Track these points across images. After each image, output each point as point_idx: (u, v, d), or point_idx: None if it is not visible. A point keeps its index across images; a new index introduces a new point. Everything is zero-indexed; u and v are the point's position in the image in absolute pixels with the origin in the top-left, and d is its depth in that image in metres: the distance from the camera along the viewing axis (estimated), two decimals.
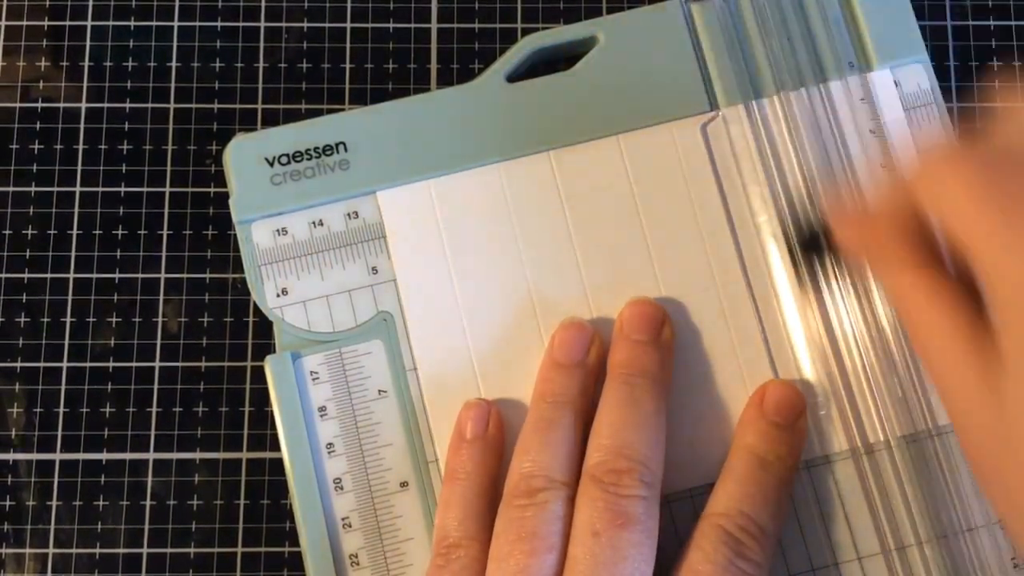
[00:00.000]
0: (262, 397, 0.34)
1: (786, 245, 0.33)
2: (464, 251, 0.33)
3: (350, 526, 0.32)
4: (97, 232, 0.35)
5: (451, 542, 0.29)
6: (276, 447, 0.34)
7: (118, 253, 0.35)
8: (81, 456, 0.34)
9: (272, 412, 0.32)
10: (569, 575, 0.27)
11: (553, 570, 0.27)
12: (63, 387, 0.34)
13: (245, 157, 0.33)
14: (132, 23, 0.36)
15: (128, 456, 0.34)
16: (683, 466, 0.31)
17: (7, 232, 0.35)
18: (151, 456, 0.34)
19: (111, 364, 0.34)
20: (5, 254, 0.35)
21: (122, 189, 0.35)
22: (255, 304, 0.33)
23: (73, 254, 0.35)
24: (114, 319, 0.35)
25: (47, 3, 0.37)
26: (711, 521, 0.29)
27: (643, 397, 0.29)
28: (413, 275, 0.33)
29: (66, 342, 0.35)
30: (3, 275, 0.35)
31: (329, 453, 0.32)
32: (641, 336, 0.31)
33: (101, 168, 0.35)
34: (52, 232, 0.35)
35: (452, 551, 0.29)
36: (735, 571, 0.28)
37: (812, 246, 0.32)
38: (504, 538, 0.28)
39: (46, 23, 0.36)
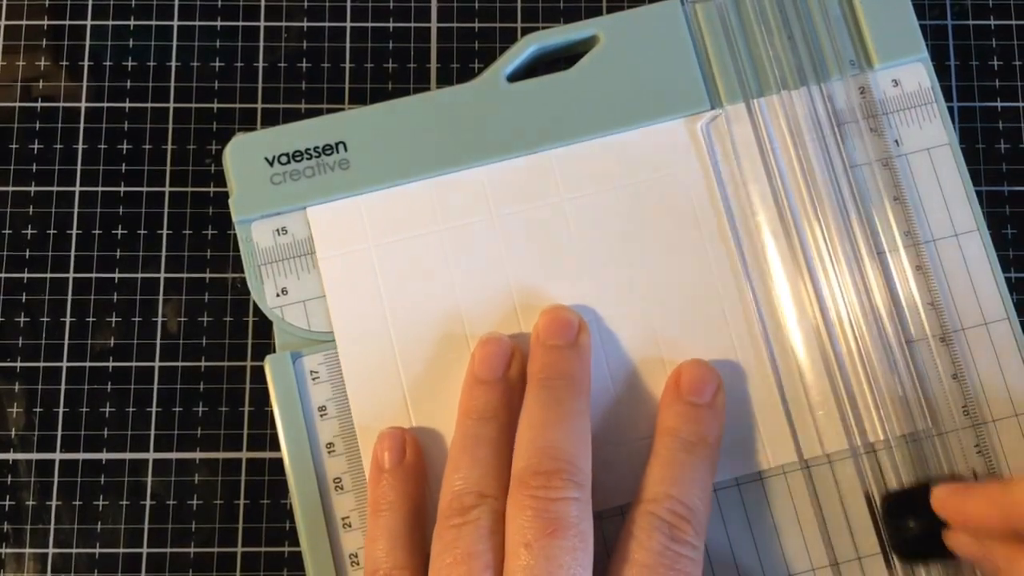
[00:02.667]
0: (262, 397, 0.34)
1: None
2: (394, 270, 0.33)
3: (350, 526, 0.32)
4: (97, 232, 0.35)
5: (382, 574, 0.29)
6: (276, 447, 0.34)
7: (118, 253, 0.35)
8: (81, 456, 0.34)
9: (272, 412, 0.32)
10: None
11: None
12: (63, 387, 0.34)
13: (245, 157, 0.33)
14: (132, 23, 0.36)
15: (128, 456, 0.34)
16: None
17: (7, 232, 0.35)
18: (151, 456, 0.34)
19: (111, 364, 0.34)
20: (5, 254, 0.35)
21: (122, 189, 0.35)
22: (255, 304, 0.33)
23: (73, 254, 0.35)
24: (114, 319, 0.35)
25: (47, 3, 0.36)
26: (642, 509, 0.28)
27: (564, 396, 0.29)
28: (343, 294, 0.32)
29: (66, 342, 0.35)
30: (3, 275, 0.35)
31: (329, 453, 0.32)
32: (558, 341, 0.30)
33: (101, 168, 0.35)
34: (52, 232, 0.35)
35: None
36: (671, 555, 0.27)
37: (919, 547, 0.31)
38: (440, 561, 0.27)
39: (46, 23, 0.36)
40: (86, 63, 0.36)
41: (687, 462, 0.29)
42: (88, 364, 0.34)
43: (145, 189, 0.35)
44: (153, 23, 0.36)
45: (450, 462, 0.29)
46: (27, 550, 0.33)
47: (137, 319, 0.35)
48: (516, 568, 0.26)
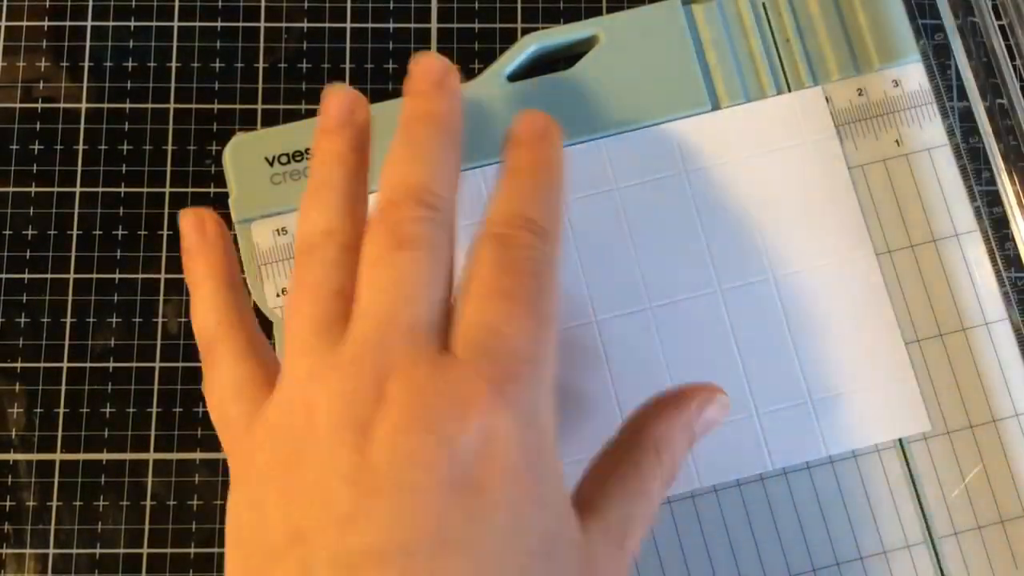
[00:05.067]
0: None
1: None
2: None
3: None
4: (97, 232, 0.35)
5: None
6: None
7: (118, 253, 0.35)
8: (81, 456, 0.34)
9: None
10: (355, 309, 0.25)
11: (341, 312, 0.26)
12: (63, 387, 0.34)
13: (245, 157, 0.33)
14: (132, 23, 0.36)
15: (128, 456, 0.34)
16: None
17: (7, 232, 0.35)
18: (151, 456, 0.34)
19: (111, 364, 0.34)
20: (5, 254, 0.35)
21: (122, 189, 0.35)
22: (255, 304, 0.33)
23: (73, 254, 0.35)
24: (114, 319, 0.35)
25: (47, 3, 0.37)
26: (479, 235, 0.27)
27: (422, 134, 0.28)
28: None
29: (66, 342, 0.35)
30: (3, 275, 0.35)
31: None
32: (421, 86, 0.29)
33: (101, 168, 0.35)
34: (52, 232, 0.35)
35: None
36: (509, 259, 0.26)
37: None
38: (290, 299, 0.27)
39: (46, 23, 0.36)
40: (87, 64, 0.36)
41: (525, 181, 0.28)
42: (89, 365, 0.34)
43: (145, 190, 0.35)
44: (153, 24, 0.36)
45: (300, 211, 0.28)
46: (28, 550, 0.34)
47: (138, 320, 0.35)
48: (362, 285, 0.25)
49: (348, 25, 0.36)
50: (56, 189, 0.35)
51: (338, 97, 0.29)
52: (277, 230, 0.33)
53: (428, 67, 0.29)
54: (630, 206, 0.33)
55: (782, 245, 0.33)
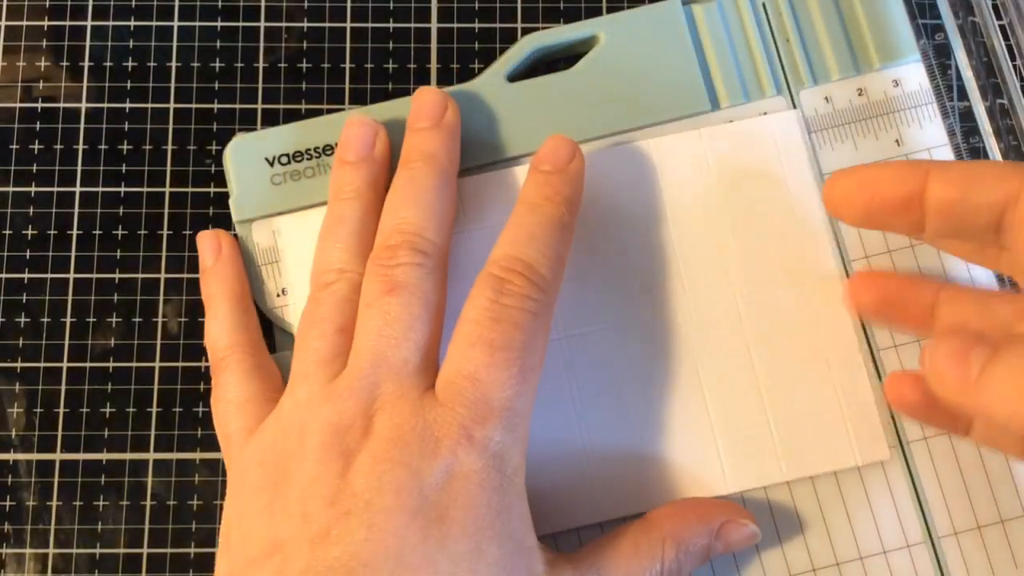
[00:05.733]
0: None
1: None
2: None
3: None
4: (97, 232, 0.35)
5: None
6: None
7: (118, 253, 0.35)
8: (81, 456, 0.34)
9: None
10: (353, 346, 0.28)
11: (342, 347, 0.29)
12: (63, 387, 0.34)
13: (245, 157, 0.33)
14: (132, 23, 0.36)
15: (128, 456, 0.34)
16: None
17: (7, 232, 0.35)
18: (151, 456, 0.34)
19: (111, 364, 0.34)
20: (5, 254, 0.35)
21: (122, 189, 0.35)
22: (255, 304, 0.33)
23: (73, 254, 0.35)
24: (114, 319, 0.35)
25: (47, 3, 0.37)
26: (480, 273, 0.29)
27: (420, 175, 0.30)
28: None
29: (66, 342, 0.35)
30: (3, 275, 0.35)
31: None
32: (423, 123, 0.31)
33: (101, 168, 0.35)
34: (52, 232, 0.35)
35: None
36: (498, 309, 0.28)
37: None
38: (301, 330, 0.30)
39: (46, 23, 0.36)
40: (87, 64, 0.36)
41: (528, 222, 0.29)
42: (88, 365, 0.34)
43: (145, 190, 0.35)
44: (153, 24, 0.36)
45: (318, 242, 0.31)
46: (27, 550, 0.33)
47: (138, 320, 0.35)
48: (360, 326, 0.28)
49: (348, 25, 0.36)
50: (56, 189, 0.35)
51: (358, 128, 0.32)
52: (277, 230, 0.33)
53: (426, 103, 0.32)
54: (601, 221, 0.33)
55: (751, 267, 0.32)
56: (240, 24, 0.36)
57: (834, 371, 0.32)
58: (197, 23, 0.36)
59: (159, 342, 0.35)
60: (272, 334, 0.33)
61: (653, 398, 0.32)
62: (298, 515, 0.26)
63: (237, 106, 0.36)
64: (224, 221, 0.35)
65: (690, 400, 0.32)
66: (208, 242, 0.33)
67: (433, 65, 0.36)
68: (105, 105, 0.36)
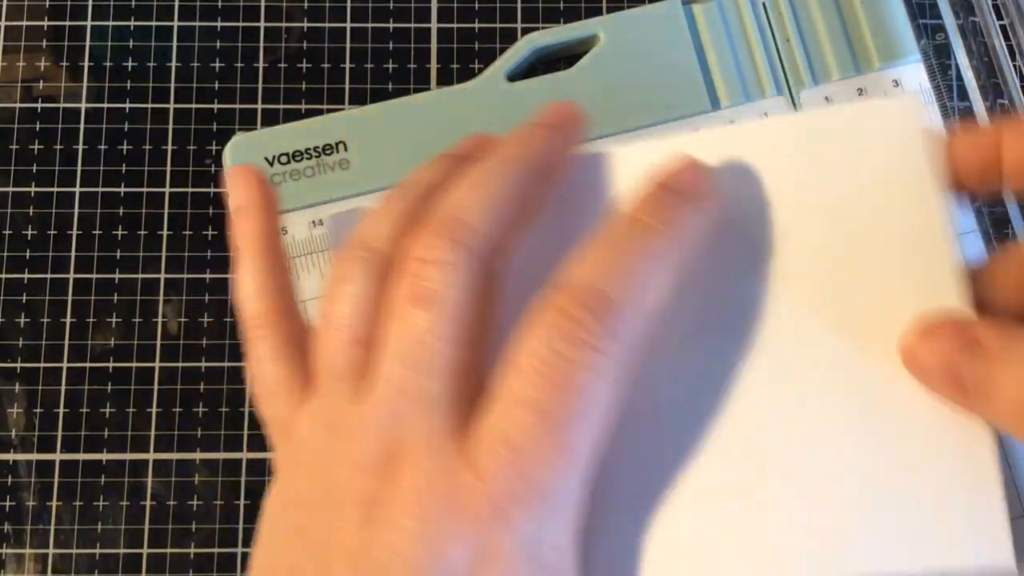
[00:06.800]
0: None
1: None
2: None
3: None
4: (97, 232, 0.35)
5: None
6: None
7: (118, 253, 0.35)
8: (81, 456, 0.34)
9: None
10: (377, 358, 0.23)
11: (365, 358, 0.24)
12: (63, 387, 0.34)
13: (245, 157, 0.33)
14: (132, 23, 0.36)
15: (128, 456, 0.34)
16: None
17: (7, 232, 0.35)
18: (151, 456, 0.34)
19: (111, 364, 0.34)
20: (5, 254, 0.35)
21: (122, 189, 0.35)
22: None
23: (73, 254, 0.35)
24: (114, 319, 0.35)
25: (47, 3, 0.37)
26: (541, 296, 0.22)
27: (488, 166, 0.24)
28: None
29: (66, 342, 0.35)
30: (3, 275, 0.35)
31: None
32: (550, 120, 0.26)
33: (101, 168, 0.35)
34: (52, 232, 0.35)
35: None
36: (558, 362, 0.21)
37: None
38: (327, 291, 0.25)
39: (46, 23, 0.36)
40: (86, 64, 0.36)
41: (629, 245, 0.22)
42: (88, 365, 0.34)
43: (145, 190, 0.35)
44: (153, 24, 0.36)
45: (365, 217, 0.25)
46: (27, 550, 0.33)
47: (137, 320, 0.35)
48: (383, 339, 0.23)
49: (348, 25, 0.36)
50: (56, 189, 0.35)
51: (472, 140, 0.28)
52: None
53: (559, 108, 0.27)
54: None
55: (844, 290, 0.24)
56: (240, 24, 0.36)
57: (951, 443, 0.24)
58: (197, 23, 0.36)
59: (159, 342, 0.35)
60: None
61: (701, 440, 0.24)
62: (322, 569, 0.23)
63: (237, 106, 0.36)
64: (224, 221, 0.35)
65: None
66: (245, 177, 0.28)
67: (433, 65, 0.36)
68: (105, 105, 0.36)
